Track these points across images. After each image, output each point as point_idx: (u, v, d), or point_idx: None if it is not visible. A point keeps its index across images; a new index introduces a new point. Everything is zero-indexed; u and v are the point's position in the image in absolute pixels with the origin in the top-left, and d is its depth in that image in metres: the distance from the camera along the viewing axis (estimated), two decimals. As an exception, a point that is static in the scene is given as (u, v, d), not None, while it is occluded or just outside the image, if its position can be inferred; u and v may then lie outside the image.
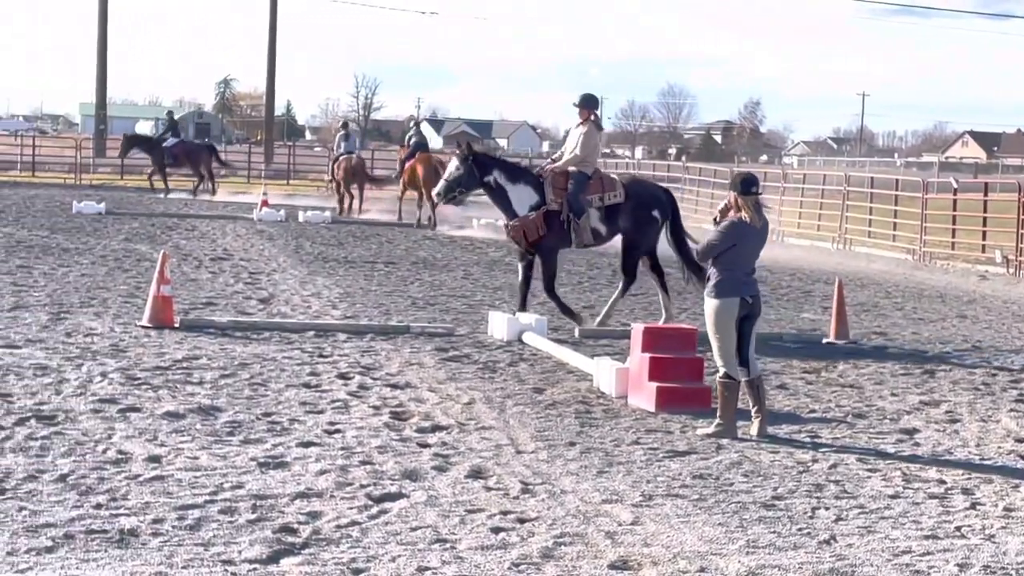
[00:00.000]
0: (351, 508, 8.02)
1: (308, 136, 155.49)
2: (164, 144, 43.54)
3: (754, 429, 10.69)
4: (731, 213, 10.82)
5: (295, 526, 7.59)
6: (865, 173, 49.88)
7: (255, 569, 6.83)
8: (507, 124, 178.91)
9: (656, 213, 16.72)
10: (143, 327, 14.70)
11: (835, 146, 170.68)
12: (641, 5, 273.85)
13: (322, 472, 8.83)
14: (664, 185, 19.05)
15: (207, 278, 20.31)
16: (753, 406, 10.74)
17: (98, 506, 7.77)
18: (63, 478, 8.35)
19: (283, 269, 22.25)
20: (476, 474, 8.99)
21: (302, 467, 8.95)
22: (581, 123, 16.74)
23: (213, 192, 44.07)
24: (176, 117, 48.63)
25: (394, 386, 12.09)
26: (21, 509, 7.62)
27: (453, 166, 16.65)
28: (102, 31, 64.55)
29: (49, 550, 6.92)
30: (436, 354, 14.06)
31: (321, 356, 13.50)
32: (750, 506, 8.56)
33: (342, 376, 12.45)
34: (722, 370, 10.77)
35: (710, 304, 10.76)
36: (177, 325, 14.83)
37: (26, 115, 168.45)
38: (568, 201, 16.29)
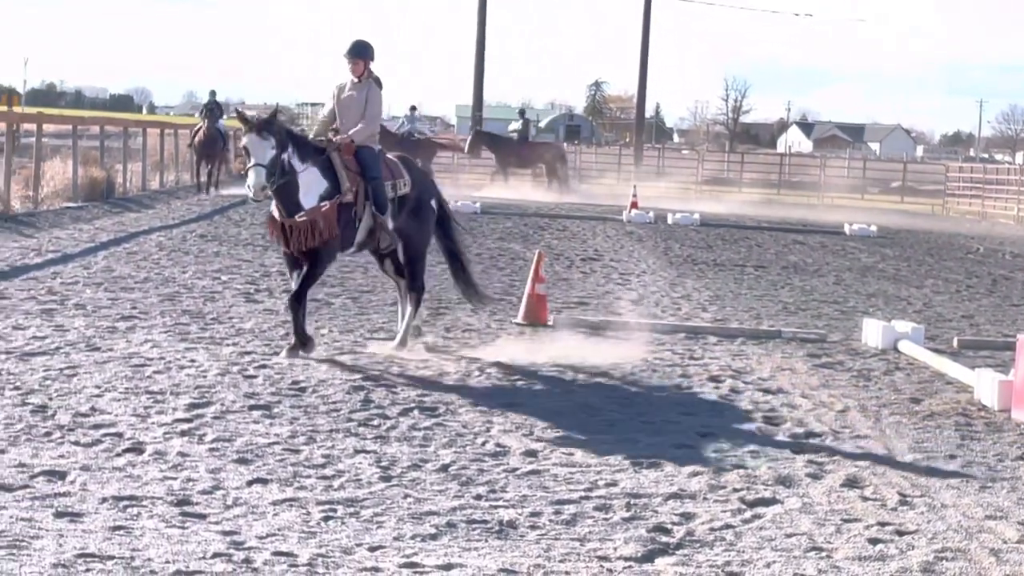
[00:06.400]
0: (724, 511, 7.99)
1: (676, 139, 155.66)
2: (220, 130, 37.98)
3: None
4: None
5: (669, 526, 7.61)
6: None
7: (630, 567, 6.87)
8: (880, 128, 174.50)
9: (434, 203, 13.31)
10: (518, 324, 15.03)
11: None
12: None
13: (695, 474, 8.82)
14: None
15: (578, 278, 20.61)
16: None
17: (478, 497, 7.99)
18: (445, 468, 8.62)
19: (652, 271, 22.37)
20: (852, 483, 8.80)
21: (675, 468, 8.97)
22: (357, 80, 12.68)
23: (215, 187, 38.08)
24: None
25: (766, 391, 11.98)
26: (406, 496, 7.91)
27: (265, 143, 11.70)
28: (480, 34, 66.38)
29: (433, 537, 7.16)
30: (808, 360, 13.84)
31: (692, 358, 13.50)
32: None
33: (713, 379, 12.41)
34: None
35: None
36: (550, 323, 15.10)
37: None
38: (373, 191, 12.48)
